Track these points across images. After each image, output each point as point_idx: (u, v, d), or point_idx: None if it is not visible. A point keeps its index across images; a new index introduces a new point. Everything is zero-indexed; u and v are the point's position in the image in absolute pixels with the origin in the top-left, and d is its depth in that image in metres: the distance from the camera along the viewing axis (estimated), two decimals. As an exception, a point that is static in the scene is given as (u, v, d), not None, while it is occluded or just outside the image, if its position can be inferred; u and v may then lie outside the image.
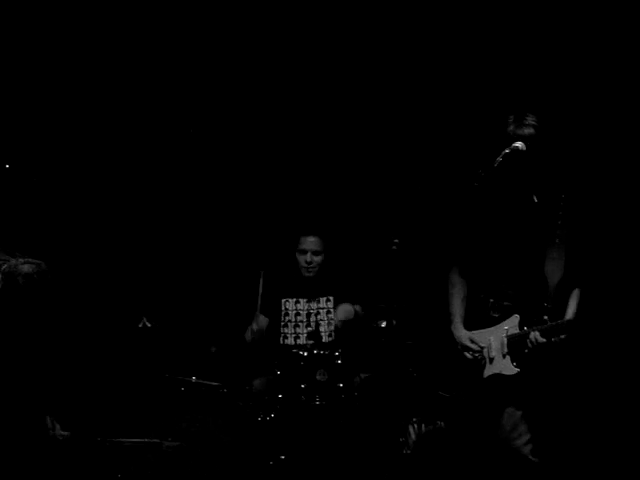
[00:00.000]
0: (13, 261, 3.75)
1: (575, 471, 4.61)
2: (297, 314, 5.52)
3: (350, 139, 6.01)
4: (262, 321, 5.42)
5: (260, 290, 5.22)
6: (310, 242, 5.49)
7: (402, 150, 5.88)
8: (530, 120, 3.94)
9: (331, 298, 5.52)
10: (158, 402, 4.99)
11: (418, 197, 5.72)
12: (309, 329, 5.42)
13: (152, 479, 4.66)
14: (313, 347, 5.07)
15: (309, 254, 5.47)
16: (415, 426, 4.89)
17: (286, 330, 5.51)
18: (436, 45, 5.64)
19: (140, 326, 5.14)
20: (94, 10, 5.65)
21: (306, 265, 5.48)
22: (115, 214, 5.92)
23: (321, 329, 5.43)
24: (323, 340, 5.37)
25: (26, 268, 3.71)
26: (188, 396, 4.97)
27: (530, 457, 3.94)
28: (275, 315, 5.52)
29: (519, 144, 3.88)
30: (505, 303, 4.07)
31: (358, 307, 5.47)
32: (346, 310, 5.40)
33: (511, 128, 3.94)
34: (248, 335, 5.36)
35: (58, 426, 4.01)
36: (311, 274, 5.50)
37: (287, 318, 5.53)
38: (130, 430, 4.85)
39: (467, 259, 4.23)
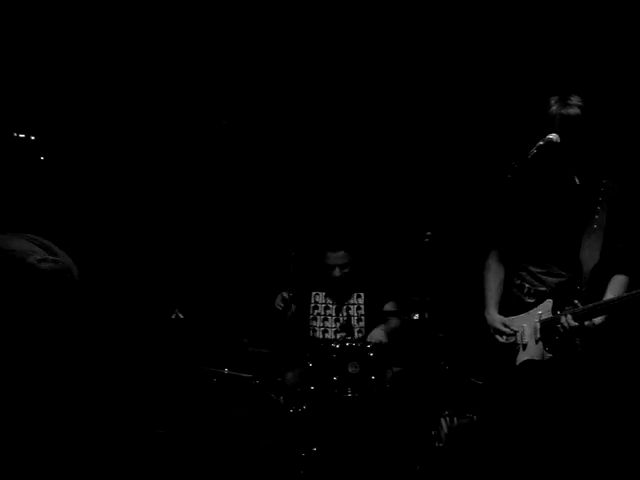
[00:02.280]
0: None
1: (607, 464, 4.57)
2: (326, 307, 5.52)
3: (384, 126, 5.98)
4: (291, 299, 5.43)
5: (291, 271, 5.21)
6: (336, 257, 5.46)
7: (434, 143, 5.85)
8: (575, 100, 3.87)
9: (362, 294, 5.51)
10: (190, 394, 5.02)
11: (451, 189, 5.68)
12: (342, 321, 5.41)
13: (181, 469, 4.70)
14: (345, 339, 5.06)
15: (337, 269, 5.45)
16: (447, 419, 4.87)
17: (315, 323, 5.51)
18: (469, 37, 5.59)
19: (172, 317, 5.16)
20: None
21: (334, 279, 5.47)
22: (148, 207, 5.95)
23: (352, 323, 5.43)
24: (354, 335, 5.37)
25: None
26: (220, 388, 5.00)
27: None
28: (304, 307, 5.53)
29: (553, 136, 3.82)
30: (540, 289, 4.06)
31: (395, 323, 5.42)
32: (378, 334, 5.32)
33: (555, 108, 3.85)
34: (278, 302, 5.33)
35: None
36: (340, 283, 5.48)
37: (316, 311, 5.53)
38: (160, 422, 4.88)
39: (507, 243, 4.22)
